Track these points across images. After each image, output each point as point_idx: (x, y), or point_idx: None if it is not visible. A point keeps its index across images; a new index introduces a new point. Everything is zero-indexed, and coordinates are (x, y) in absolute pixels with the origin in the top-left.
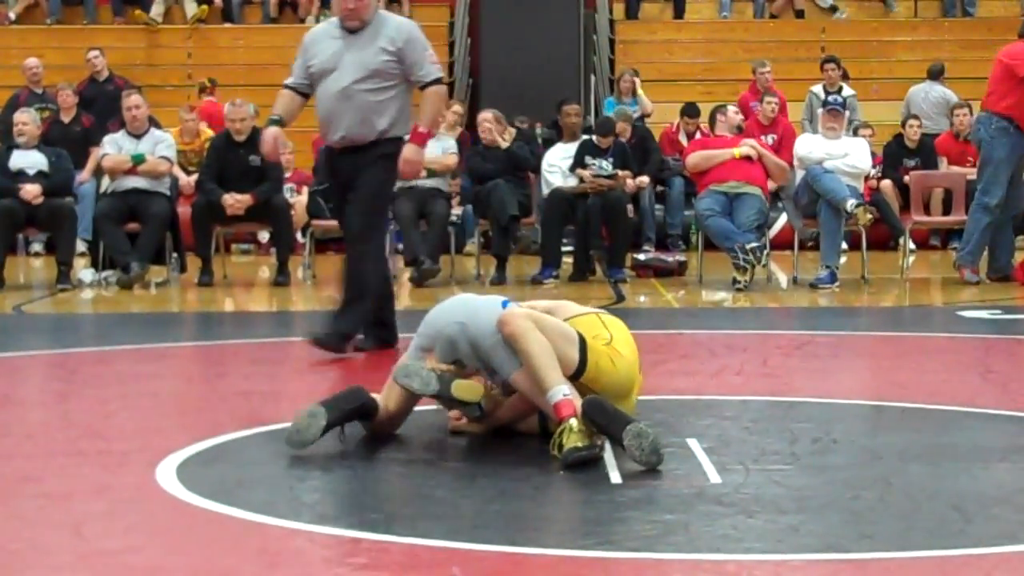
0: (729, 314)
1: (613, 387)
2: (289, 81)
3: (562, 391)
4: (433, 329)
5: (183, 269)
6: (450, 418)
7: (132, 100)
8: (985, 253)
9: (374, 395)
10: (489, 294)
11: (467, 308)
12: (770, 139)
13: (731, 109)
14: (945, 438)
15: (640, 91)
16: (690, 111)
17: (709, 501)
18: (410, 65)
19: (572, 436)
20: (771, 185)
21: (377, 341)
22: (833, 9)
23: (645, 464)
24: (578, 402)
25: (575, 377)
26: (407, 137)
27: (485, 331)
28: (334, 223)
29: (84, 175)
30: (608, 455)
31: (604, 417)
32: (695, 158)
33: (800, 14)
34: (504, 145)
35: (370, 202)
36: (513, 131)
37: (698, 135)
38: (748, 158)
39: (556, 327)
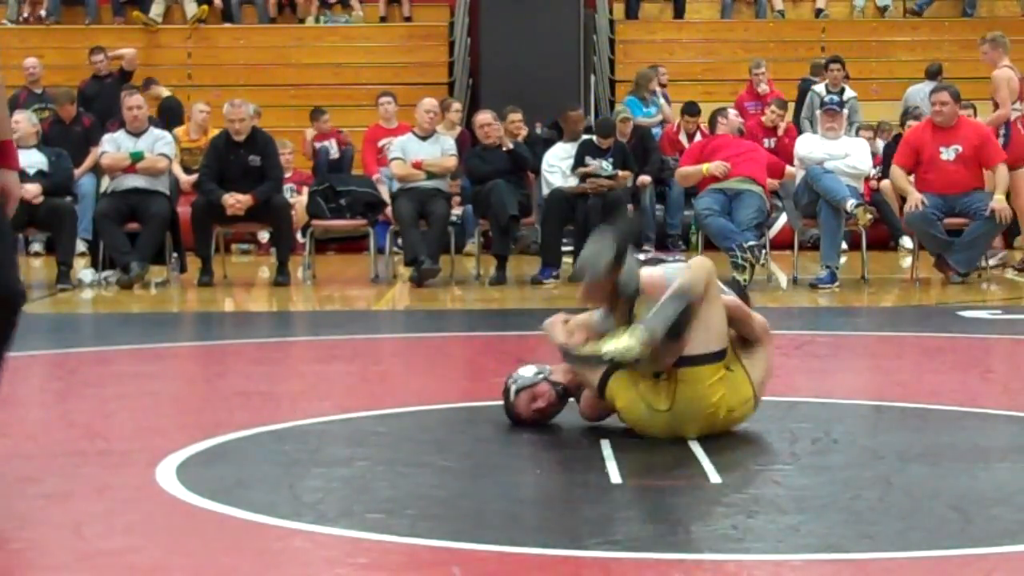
0: None
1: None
2: None
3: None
4: None
5: (183, 269)
6: (537, 398)
7: (133, 100)
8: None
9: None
10: (491, 294)
11: None
12: (771, 142)
13: (732, 112)
14: (945, 438)
15: (662, 100)
16: (690, 110)
17: (709, 501)
18: None
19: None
20: (771, 184)
21: None
22: None
23: None
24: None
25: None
26: None
27: None
28: (335, 223)
29: (80, 171)
30: (608, 454)
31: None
32: (679, 177)
33: (819, 13)
34: (509, 145)
35: None
36: (524, 130)
37: (698, 135)
38: (715, 178)
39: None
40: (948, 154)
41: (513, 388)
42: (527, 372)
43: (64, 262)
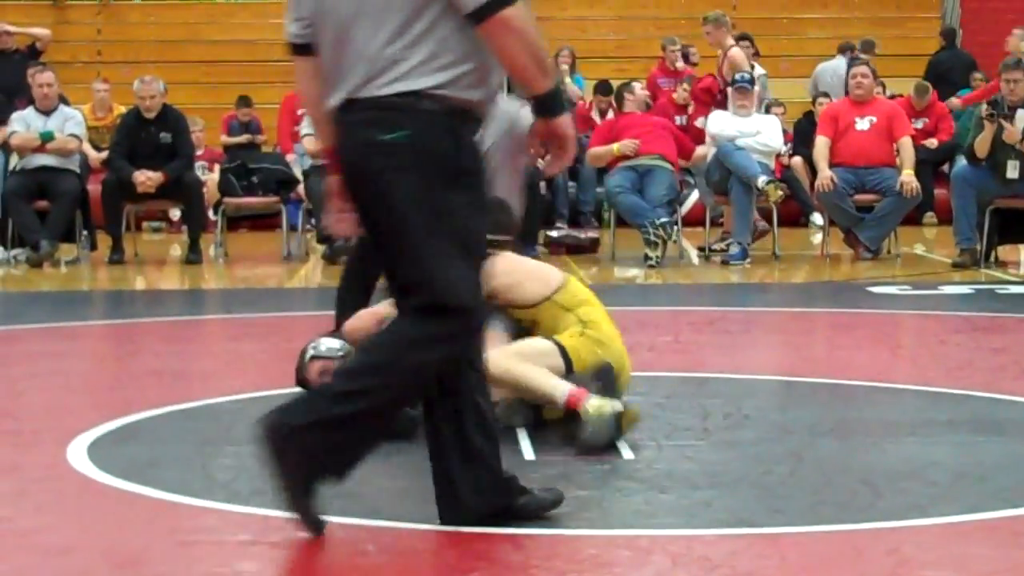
0: (641, 290)
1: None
2: None
3: (566, 388)
4: None
5: (93, 247)
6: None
7: (44, 77)
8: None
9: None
10: None
11: None
12: (682, 120)
13: (637, 86)
14: (855, 413)
15: (568, 79)
16: (603, 89)
17: (622, 477)
18: None
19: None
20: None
21: None
22: None
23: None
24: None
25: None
26: None
27: None
28: (247, 200)
29: None
30: (521, 431)
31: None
32: (589, 157)
33: None
34: None
35: None
36: None
37: (611, 113)
38: (625, 156)
39: (533, 353)
40: (863, 124)
41: (309, 353)
42: (331, 344)
43: None
